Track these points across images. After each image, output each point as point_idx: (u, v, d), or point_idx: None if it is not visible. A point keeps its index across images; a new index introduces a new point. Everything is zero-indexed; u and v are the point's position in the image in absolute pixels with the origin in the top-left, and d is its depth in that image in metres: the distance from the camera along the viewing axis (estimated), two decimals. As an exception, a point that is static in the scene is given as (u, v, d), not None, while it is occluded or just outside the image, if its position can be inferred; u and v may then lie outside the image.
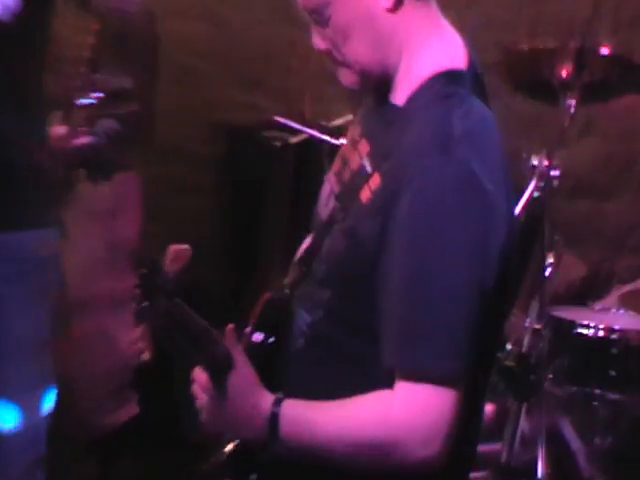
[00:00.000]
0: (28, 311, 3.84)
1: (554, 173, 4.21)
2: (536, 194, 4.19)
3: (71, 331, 5.36)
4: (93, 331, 5.42)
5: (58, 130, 4.82)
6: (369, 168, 2.38)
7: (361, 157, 2.45)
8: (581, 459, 4.19)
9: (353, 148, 2.52)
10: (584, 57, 4.27)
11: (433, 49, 2.39)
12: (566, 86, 4.30)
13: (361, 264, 2.30)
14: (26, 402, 3.88)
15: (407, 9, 2.34)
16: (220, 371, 2.33)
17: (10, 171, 3.78)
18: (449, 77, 2.34)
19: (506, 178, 2.31)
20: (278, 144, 5.44)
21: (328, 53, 2.45)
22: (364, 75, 2.43)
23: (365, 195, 2.34)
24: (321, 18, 2.39)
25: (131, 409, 5.47)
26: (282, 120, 5.06)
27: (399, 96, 2.41)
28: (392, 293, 2.23)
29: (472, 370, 2.20)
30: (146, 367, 5.47)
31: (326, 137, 4.78)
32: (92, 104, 4.54)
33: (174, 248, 3.01)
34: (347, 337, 2.37)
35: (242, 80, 6.65)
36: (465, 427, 2.23)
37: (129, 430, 5.45)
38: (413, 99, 2.36)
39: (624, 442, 4.20)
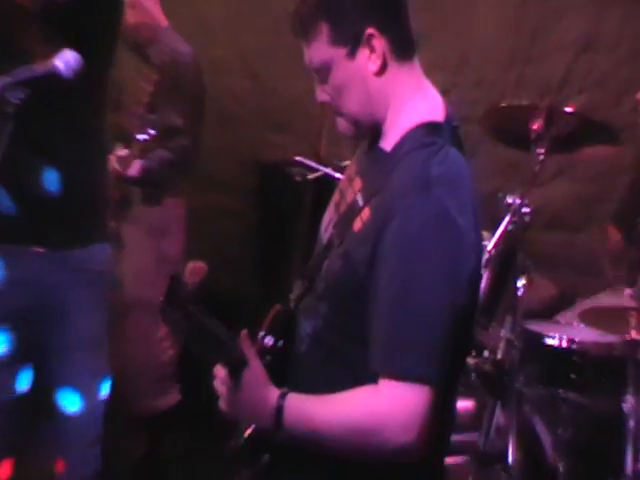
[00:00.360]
0: (91, 312, 3.88)
1: (525, 210, 4.21)
2: (510, 227, 4.18)
3: (123, 329, 5.43)
4: (141, 330, 5.48)
5: (119, 159, 4.92)
6: (361, 202, 2.42)
7: (355, 192, 2.49)
8: (547, 448, 4.20)
9: (349, 184, 2.56)
10: (552, 114, 4.28)
11: (415, 104, 2.45)
12: (538, 138, 4.31)
13: (353, 283, 2.34)
14: (87, 389, 3.90)
15: (392, 71, 2.43)
16: (236, 369, 2.38)
17: (80, 197, 3.84)
18: (429, 128, 2.41)
19: (475, 213, 2.35)
20: (299, 179, 5.46)
21: (329, 105, 2.52)
22: (356, 125, 2.50)
23: (357, 225, 2.38)
24: (322, 76, 2.48)
25: (174, 397, 5.53)
26: (302, 159, 5.10)
27: (387, 143, 2.46)
28: (379, 310, 2.27)
29: (445, 372, 2.24)
30: (187, 361, 5.53)
31: (338, 174, 4.82)
32: (147, 139, 4.62)
33: (192, 264, 3.03)
34: (341, 343, 2.41)
35: (272, 124, 6.70)
36: (439, 419, 2.26)
37: (173, 413, 5.53)
38: (399, 146, 2.42)
39: (583, 434, 4.19)
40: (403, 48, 2.45)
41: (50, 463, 4.09)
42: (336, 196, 2.64)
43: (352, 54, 2.42)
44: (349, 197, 2.52)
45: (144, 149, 4.72)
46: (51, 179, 3.84)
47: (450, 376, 2.31)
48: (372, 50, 2.41)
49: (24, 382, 3.86)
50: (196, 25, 6.72)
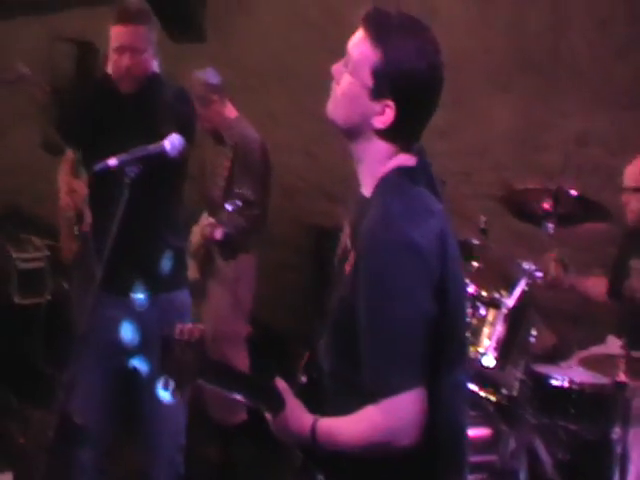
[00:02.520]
0: None
1: (538, 274, 4.23)
2: (525, 288, 4.21)
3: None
4: (219, 358, 5.47)
5: (209, 225, 4.94)
6: (349, 246, 2.33)
7: (346, 238, 2.40)
8: (549, 468, 4.20)
9: (344, 232, 2.45)
10: (560, 196, 4.31)
11: (390, 160, 2.29)
12: (548, 215, 4.34)
13: (347, 320, 2.24)
14: (168, 433, 4.01)
15: (386, 139, 2.29)
16: (275, 408, 2.35)
17: (171, 253, 3.89)
18: (400, 172, 2.28)
19: (443, 239, 2.24)
20: (349, 242, 5.45)
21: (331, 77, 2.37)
22: (335, 118, 2.35)
23: (347, 267, 2.28)
24: (347, 63, 2.32)
25: (242, 415, 5.51)
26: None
27: (366, 189, 2.34)
28: (363, 336, 2.20)
29: (429, 375, 2.17)
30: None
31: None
32: (234, 209, 4.64)
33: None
34: (349, 373, 2.29)
35: (327, 195, 6.69)
36: (433, 415, 2.20)
37: (243, 428, 5.49)
38: (375, 191, 2.29)
39: (578, 457, 4.21)
40: (405, 136, 2.31)
41: (142, 463, 4.10)
42: (339, 244, 2.51)
43: (370, 96, 2.27)
44: (343, 243, 2.43)
45: (229, 217, 4.74)
46: (158, 241, 3.89)
47: (438, 374, 2.23)
48: (382, 113, 2.26)
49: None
50: (264, 114, 6.75)
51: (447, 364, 2.28)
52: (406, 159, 2.32)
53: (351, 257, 2.28)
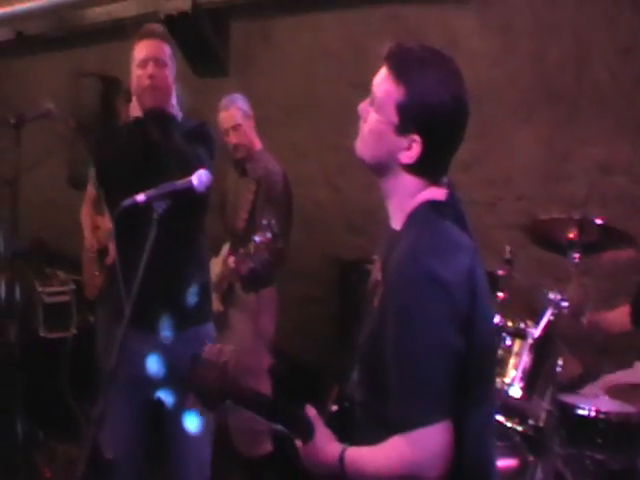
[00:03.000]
0: None
1: (564, 304, 4.23)
2: (551, 318, 4.21)
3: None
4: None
5: (236, 258, 4.96)
6: (379, 280, 2.34)
7: (376, 272, 2.41)
8: (577, 498, 4.19)
9: (374, 265, 2.48)
10: (585, 225, 4.30)
11: (419, 194, 2.33)
12: (572, 244, 4.34)
13: (375, 353, 2.28)
14: (194, 465, 4.02)
15: (414, 173, 2.32)
16: (306, 436, 2.40)
17: (197, 287, 3.92)
18: (429, 206, 2.31)
19: (472, 275, 2.25)
20: (374, 275, 5.45)
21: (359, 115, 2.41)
22: (363, 155, 2.39)
23: (376, 301, 2.31)
24: (373, 100, 2.35)
25: (267, 447, 5.52)
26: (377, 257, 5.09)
27: (396, 222, 2.37)
28: (391, 369, 2.22)
29: (457, 408, 2.19)
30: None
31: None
32: (264, 241, 4.66)
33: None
34: (378, 405, 2.32)
35: (350, 228, 6.71)
36: (461, 448, 2.21)
37: (268, 459, 5.50)
38: (405, 225, 2.33)
39: (606, 487, 4.18)
40: (432, 169, 2.35)
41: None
42: (370, 277, 2.54)
43: (397, 132, 2.30)
44: (373, 277, 2.45)
45: (257, 249, 4.75)
46: (184, 275, 3.92)
47: (466, 408, 2.24)
48: (409, 148, 2.29)
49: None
50: (288, 146, 6.80)
51: (475, 398, 2.29)
52: (436, 193, 2.35)
53: (380, 290, 2.30)
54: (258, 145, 5.58)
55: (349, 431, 2.43)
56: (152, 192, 2.81)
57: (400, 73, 2.30)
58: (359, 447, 2.35)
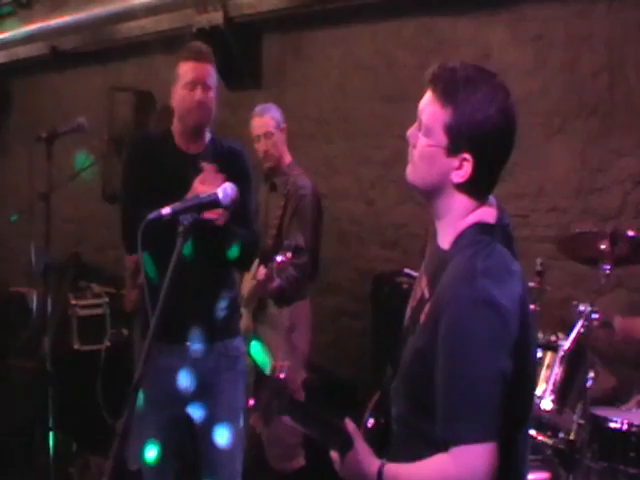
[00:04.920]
0: (237, 386, 4.05)
1: (595, 316, 4.24)
2: (582, 330, 4.22)
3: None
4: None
5: (264, 274, 5.02)
6: (427, 295, 2.35)
7: (422, 288, 2.41)
8: (609, 512, 4.17)
9: (419, 282, 2.47)
10: (617, 237, 4.30)
11: (470, 214, 2.34)
12: (604, 256, 4.33)
13: (421, 368, 2.28)
14: (229, 461, 4.04)
15: (465, 192, 2.33)
16: (344, 449, 2.41)
17: (226, 301, 3.97)
18: (480, 228, 2.32)
19: (522, 299, 2.27)
20: (405, 286, 5.48)
21: (407, 143, 2.41)
22: (416, 182, 2.39)
23: (423, 317, 2.30)
24: (420, 126, 2.36)
25: (300, 461, 5.54)
26: (409, 271, 5.13)
27: (444, 241, 2.38)
28: (440, 389, 2.22)
29: (503, 431, 2.18)
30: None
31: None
32: (285, 260, 4.71)
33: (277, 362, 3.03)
34: (419, 421, 2.33)
35: (383, 241, 6.72)
36: (505, 471, 2.21)
37: (301, 474, 5.53)
38: (454, 244, 2.34)
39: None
40: (484, 187, 2.35)
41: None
42: (413, 292, 2.55)
43: (447, 153, 2.30)
44: (418, 293, 2.44)
45: (279, 267, 4.83)
46: (213, 289, 3.98)
47: (511, 430, 2.25)
48: (460, 168, 2.30)
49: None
50: (322, 160, 6.86)
51: (519, 421, 2.32)
52: (486, 214, 2.36)
53: (428, 307, 2.31)
54: (288, 159, 5.61)
55: (385, 447, 2.44)
56: (177, 205, 2.84)
57: (445, 95, 2.30)
58: (399, 464, 2.36)
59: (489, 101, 2.28)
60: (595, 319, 4.21)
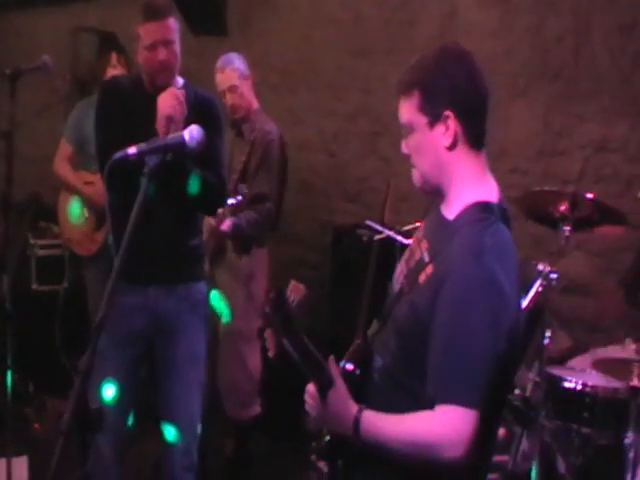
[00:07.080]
0: (198, 329, 4.04)
1: (553, 276, 4.23)
2: (540, 289, 4.21)
3: (221, 352, 5.45)
4: (234, 354, 5.49)
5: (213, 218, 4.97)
6: (427, 259, 2.44)
7: (422, 251, 2.49)
8: (562, 470, 4.20)
9: (417, 244, 2.56)
10: (576, 200, 4.29)
11: (477, 186, 2.44)
12: (564, 218, 4.32)
13: (416, 326, 2.36)
14: (184, 421, 4.02)
15: (461, 151, 2.41)
16: (324, 386, 2.42)
17: (189, 248, 3.94)
18: (484, 206, 2.41)
19: (518, 278, 2.38)
20: (366, 239, 5.45)
21: (408, 156, 2.52)
22: (425, 180, 2.50)
23: (422, 278, 2.40)
24: (406, 132, 2.48)
25: (256, 409, 5.52)
26: (371, 223, 5.09)
27: (449, 212, 2.47)
28: (434, 349, 2.30)
29: (487, 401, 2.25)
30: (269, 381, 5.55)
31: (399, 237, 4.83)
32: (235, 204, 4.69)
33: (293, 283, 3.03)
34: (405, 377, 2.41)
35: (344, 193, 6.70)
36: (483, 439, 2.28)
37: (258, 421, 5.52)
38: (459, 217, 2.43)
39: (591, 462, 4.16)
40: (473, 137, 2.43)
41: (157, 451, 4.12)
42: (407, 253, 2.63)
43: (431, 126, 2.41)
44: (417, 255, 2.52)
45: (233, 211, 4.80)
46: (176, 233, 3.93)
47: (492, 406, 2.32)
48: (447, 128, 2.39)
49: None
50: (285, 110, 6.77)
51: (501, 396, 2.44)
52: (490, 192, 2.45)
53: (428, 270, 2.40)
54: (255, 104, 5.56)
55: (359, 394, 2.46)
56: (143, 146, 2.77)
57: (411, 85, 2.44)
58: (378, 412, 2.39)
59: (454, 65, 2.42)
60: (554, 280, 4.20)
